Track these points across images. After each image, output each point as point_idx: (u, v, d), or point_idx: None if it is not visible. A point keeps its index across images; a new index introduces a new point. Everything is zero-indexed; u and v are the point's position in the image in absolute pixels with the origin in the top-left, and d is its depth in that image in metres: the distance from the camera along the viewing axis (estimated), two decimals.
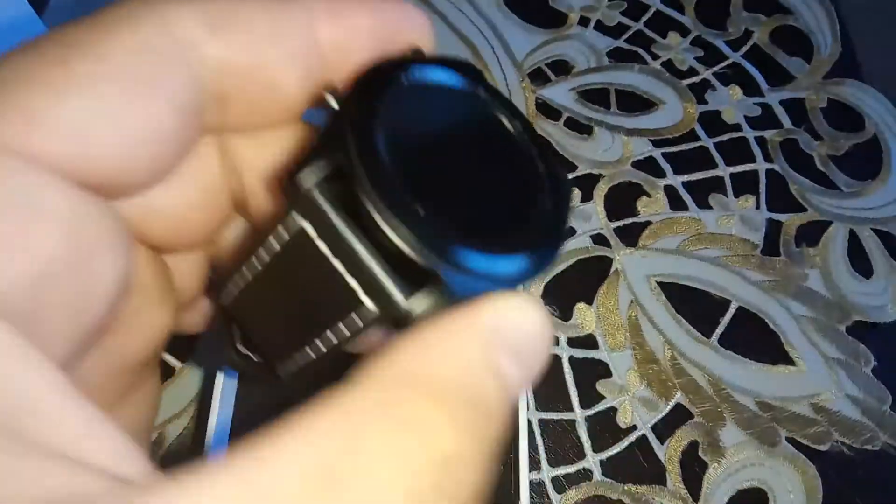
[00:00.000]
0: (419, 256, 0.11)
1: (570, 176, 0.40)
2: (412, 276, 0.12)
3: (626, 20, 0.46)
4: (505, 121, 0.15)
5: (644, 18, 0.46)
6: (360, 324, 0.13)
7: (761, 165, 0.41)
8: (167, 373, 0.34)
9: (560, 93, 0.43)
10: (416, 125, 0.13)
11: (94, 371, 0.14)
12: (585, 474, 0.33)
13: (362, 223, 0.12)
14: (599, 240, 0.38)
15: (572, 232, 0.38)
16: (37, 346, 0.10)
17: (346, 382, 0.10)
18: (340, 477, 0.08)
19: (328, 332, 0.13)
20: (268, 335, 0.16)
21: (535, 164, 0.14)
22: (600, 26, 0.46)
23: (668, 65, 0.44)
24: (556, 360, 0.35)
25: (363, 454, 0.09)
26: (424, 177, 0.13)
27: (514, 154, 0.14)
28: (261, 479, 0.08)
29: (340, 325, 0.13)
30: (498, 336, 0.10)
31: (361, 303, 0.12)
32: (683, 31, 0.46)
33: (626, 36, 0.45)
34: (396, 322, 0.12)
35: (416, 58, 0.14)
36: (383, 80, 0.13)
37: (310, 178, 0.12)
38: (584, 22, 0.46)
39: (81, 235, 0.11)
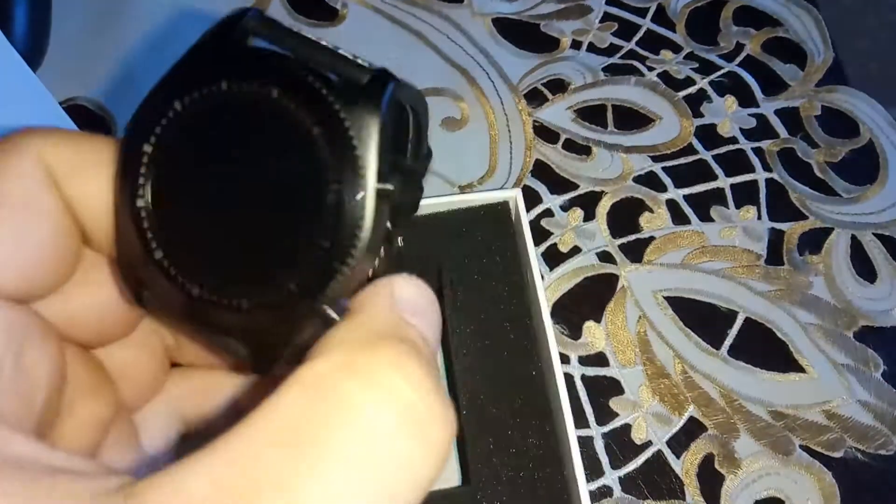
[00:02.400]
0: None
1: (572, 195, 0.41)
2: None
3: (617, 41, 0.47)
4: (298, 123, 0.14)
5: (636, 38, 0.47)
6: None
7: (760, 175, 0.42)
8: None
9: (557, 113, 0.44)
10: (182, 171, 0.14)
11: None
12: (606, 491, 0.33)
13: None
14: (605, 257, 0.39)
15: (576, 250, 0.39)
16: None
17: (308, 358, 0.12)
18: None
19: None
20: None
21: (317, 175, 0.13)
22: (592, 48, 0.46)
23: (665, 76, 0.45)
24: (569, 378, 0.36)
25: (342, 407, 0.11)
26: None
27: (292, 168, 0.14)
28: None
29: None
30: (400, 301, 0.14)
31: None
32: (675, 49, 0.46)
33: (618, 55, 0.46)
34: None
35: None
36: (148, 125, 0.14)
37: None
38: (576, 45, 0.47)
39: (14, 334, 0.13)
